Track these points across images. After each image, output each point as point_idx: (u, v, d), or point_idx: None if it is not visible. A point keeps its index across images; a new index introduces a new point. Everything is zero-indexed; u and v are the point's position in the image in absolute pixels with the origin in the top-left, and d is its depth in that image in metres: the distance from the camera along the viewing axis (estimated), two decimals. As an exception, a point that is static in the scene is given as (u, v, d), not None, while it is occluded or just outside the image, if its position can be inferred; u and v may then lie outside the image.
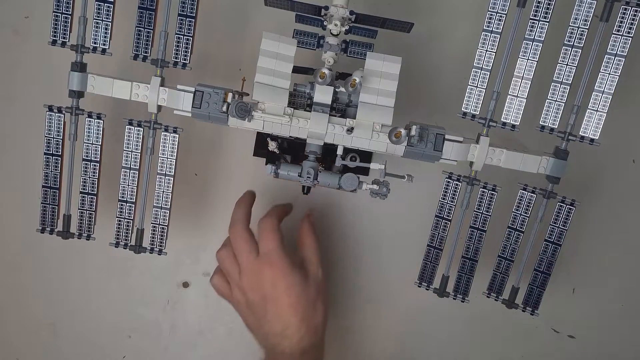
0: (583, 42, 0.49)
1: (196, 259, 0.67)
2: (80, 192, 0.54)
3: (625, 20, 0.49)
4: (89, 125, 0.52)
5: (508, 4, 0.49)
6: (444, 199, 0.54)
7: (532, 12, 0.49)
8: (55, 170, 0.53)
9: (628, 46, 0.49)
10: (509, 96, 0.51)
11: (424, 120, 0.50)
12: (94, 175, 0.53)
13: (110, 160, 0.54)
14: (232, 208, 0.57)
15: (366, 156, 0.56)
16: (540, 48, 0.50)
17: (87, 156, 0.53)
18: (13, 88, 0.65)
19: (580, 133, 0.51)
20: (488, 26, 0.50)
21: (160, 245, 0.55)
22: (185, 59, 0.51)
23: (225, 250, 0.57)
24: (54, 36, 0.51)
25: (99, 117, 0.52)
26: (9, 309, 0.68)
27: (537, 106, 0.51)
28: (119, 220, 0.54)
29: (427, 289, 0.56)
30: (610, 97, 0.50)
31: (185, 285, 0.67)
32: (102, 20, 0.51)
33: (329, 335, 0.57)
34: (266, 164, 0.61)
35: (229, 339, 0.68)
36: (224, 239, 0.58)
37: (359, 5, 0.51)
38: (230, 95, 0.49)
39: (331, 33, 0.49)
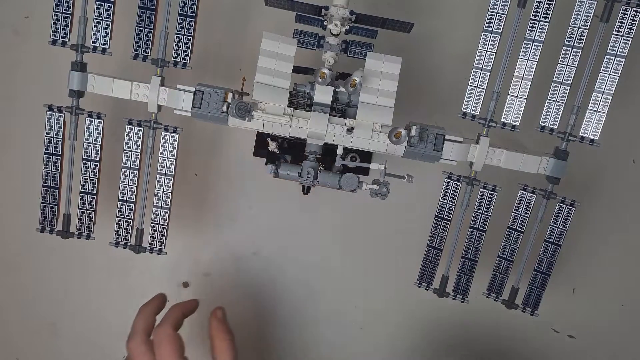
0: (583, 42, 0.49)
1: (196, 259, 0.67)
2: (80, 192, 0.54)
3: (626, 21, 0.49)
4: (89, 124, 0.52)
5: (508, 4, 0.49)
6: (443, 199, 0.54)
7: (532, 13, 0.49)
8: (55, 169, 0.53)
9: (628, 47, 0.49)
10: (509, 96, 0.51)
11: (424, 120, 0.50)
12: (94, 175, 0.53)
13: (110, 160, 0.54)
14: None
15: (366, 156, 0.56)
16: (540, 48, 0.50)
17: (87, 156, 0.53)
18: (13, 88, 0.65)
19: (580, 133, 0.51)
20: (488, 26, 0.50)
21: (160, 245, 0.55)
22: (185, 59, 0.51)
23: None
24: (54, 36, 0.51)
25: (99, 117, 0.52)
26: (9, 309, 0.68)
27: (537, 106, 0.51)
28: (119, 220, 0.54)
29: (427, 289, 0.56)
30: (611, 97, 0.50)
31: (185, 285, 0.67)
32: (102, 20, 0.51)
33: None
34: (266, 164, 0.62)
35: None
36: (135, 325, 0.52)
37: (359, 5, 0.51)
38: (230, 95, 0.49)
39: (331, 33, 0.49)
